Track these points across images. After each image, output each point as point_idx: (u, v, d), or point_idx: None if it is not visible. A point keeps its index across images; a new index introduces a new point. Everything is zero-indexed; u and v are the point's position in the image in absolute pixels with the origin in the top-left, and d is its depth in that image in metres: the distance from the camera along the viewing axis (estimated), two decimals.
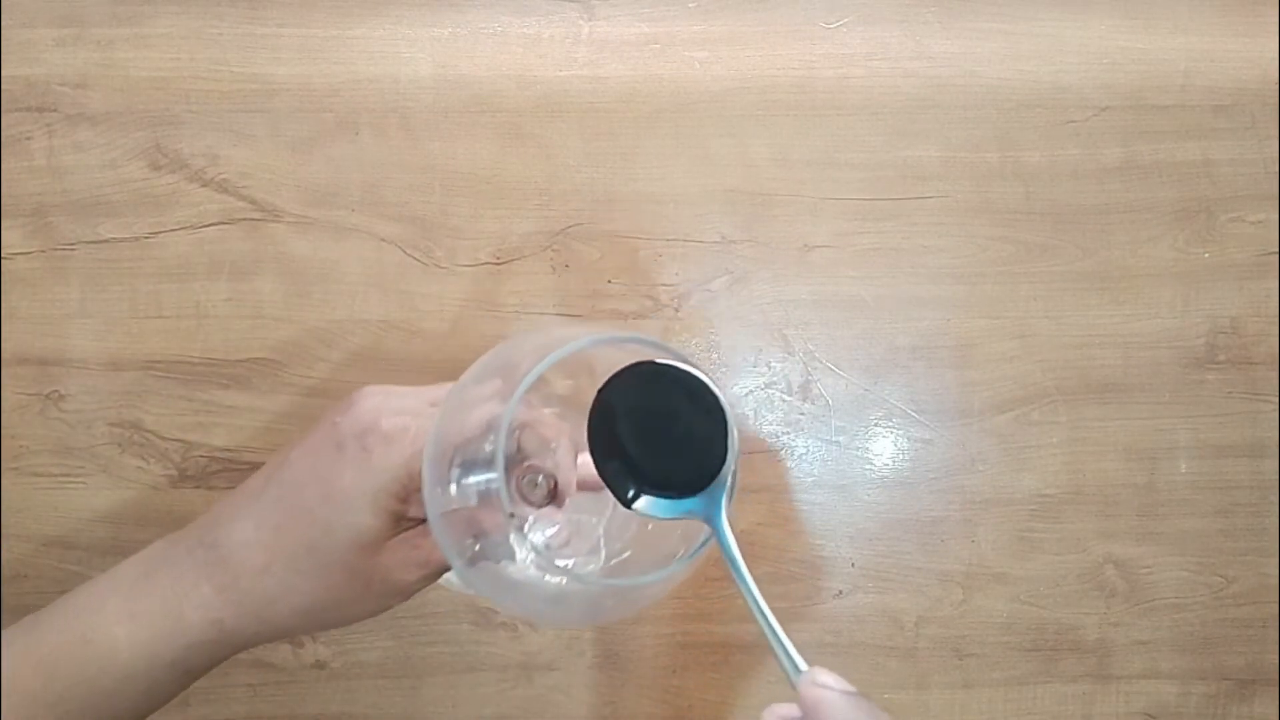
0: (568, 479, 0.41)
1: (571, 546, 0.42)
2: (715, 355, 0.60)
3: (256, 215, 0.59)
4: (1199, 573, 0.60)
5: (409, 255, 0.59)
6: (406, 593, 0.40)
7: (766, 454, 0.60)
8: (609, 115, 0.61)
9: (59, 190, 0.59)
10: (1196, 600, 0.60)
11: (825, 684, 0.33)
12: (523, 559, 0.38)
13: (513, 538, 0.37)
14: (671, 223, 0.60)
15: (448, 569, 0.39)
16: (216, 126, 0.59)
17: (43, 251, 0.58)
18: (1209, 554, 0.60)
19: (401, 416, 0.38)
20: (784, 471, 0.60)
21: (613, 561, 0.43)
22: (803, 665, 0.34)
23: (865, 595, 0.59)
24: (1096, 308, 0.61)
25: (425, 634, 0.57)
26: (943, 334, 0.60)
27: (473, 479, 0.37)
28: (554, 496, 0.42)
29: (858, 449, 0.60)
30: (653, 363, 0.36)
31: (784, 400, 0.60)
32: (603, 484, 0.36)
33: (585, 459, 0.39)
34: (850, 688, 0.33)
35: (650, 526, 0.42)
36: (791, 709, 0.34)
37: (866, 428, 0.60)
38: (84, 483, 0.57)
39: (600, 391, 0.35)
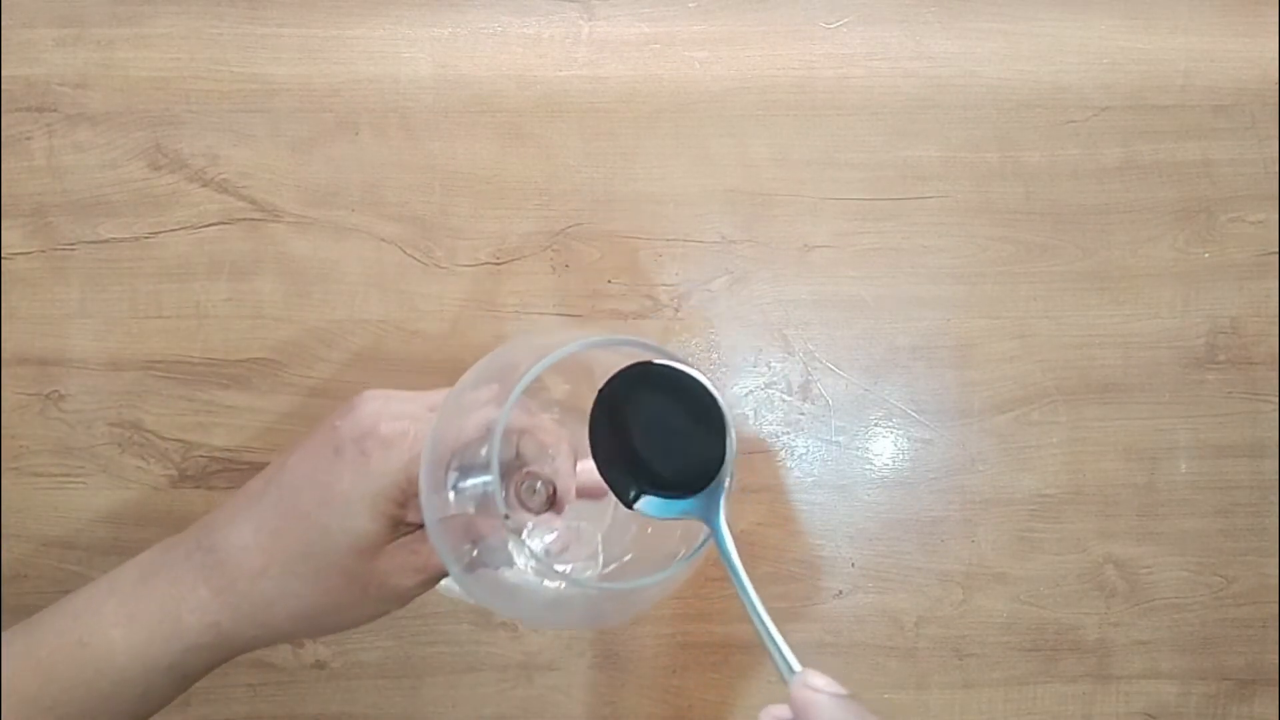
0: (567, 485, 0.41)
1: (570, 552, 0.42)
2: (715, 355, 0.60)
3: (256, 215, 0.59)
4: (1199, 573, 0.60)
5: (409, 255, 0.59)
6: (404, 598, 0.40)
7: (766, 454, 0.60)
8: (609, 115, 0.61)
9: (59, 190, 0.59)
10: (1196, 600, 0.60)
11: (816, 686, 0.33)
12: (521, 565, 0.38)
13: (511, 544, 0.37)
14: (671, 223, 0.60)
15: (445, 575, 0.39)
16: (216, 126, 0.59)
17: (43, 251, 0.58)
18: (1209, 554, 0.60)
19: (401, 421, 0.38)
20: (784, 471, 0.60)
21: (612, 565, 0.43)
22: (797, 666, 0.34)
23: (865, 595, 0.59)
24: (1096, 308, 0.61)
25: (425, 634, 0.58)
26: (943, 334, 0.60)
27: (469, 483, 0.37)
28: (553, 503, 0.41)
29: (858, 449, 0.60)
30: (652, 363, 0.36)
31: (784, 400, 0.60)
32: (602, 490, 0.36)
33: (584, 466, 0.39)
34: (842, 690, 0.33)
35: (650, 529, 0.42)
36: (786, 710, 0.34)
37: (866, 428, 0.60)
38: (84, 483, 0.57)
39: (601, 392, 0.36)
